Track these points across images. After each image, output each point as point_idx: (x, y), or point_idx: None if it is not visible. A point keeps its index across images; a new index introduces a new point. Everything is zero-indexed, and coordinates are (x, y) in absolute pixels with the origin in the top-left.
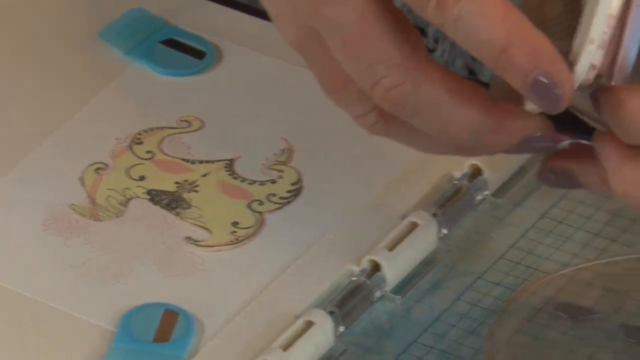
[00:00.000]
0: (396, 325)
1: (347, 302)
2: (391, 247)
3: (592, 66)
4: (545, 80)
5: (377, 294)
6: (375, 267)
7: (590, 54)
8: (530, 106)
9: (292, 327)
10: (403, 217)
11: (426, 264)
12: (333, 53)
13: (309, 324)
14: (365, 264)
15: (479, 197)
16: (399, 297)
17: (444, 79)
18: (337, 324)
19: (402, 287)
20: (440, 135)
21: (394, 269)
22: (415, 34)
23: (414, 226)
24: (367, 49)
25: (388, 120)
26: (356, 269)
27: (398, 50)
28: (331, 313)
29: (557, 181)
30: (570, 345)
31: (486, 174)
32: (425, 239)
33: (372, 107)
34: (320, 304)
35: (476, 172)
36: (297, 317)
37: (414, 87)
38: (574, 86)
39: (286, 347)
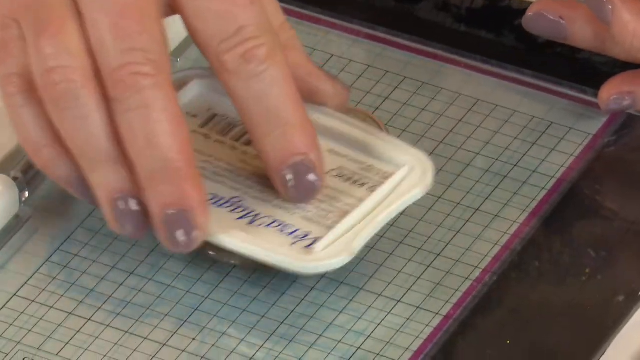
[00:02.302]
0: None
1: (31, 167)
2: None
3: None
4: (306, 165)
5: None
6: None
7: None
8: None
9: None
10: None
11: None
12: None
13: None
14: None
15: None
16: None
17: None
18: (21, 189)
19: None
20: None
21: None
22: None
23: None
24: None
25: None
26: None
27: None
28: (15, 179)
29: (543, 27)
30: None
31: None
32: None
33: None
34: (4, 170)
35: None
36: None
37: None
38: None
39: None
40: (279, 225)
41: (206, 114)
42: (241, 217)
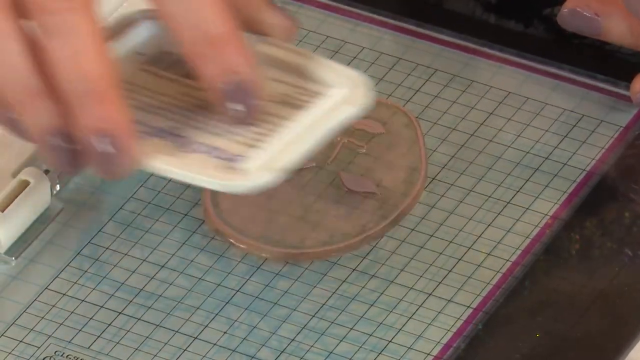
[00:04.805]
0: (112, 182)
1: None
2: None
3: None
4: (245, 89)
5: None
6: None
7: None
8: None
9: (8, 187)
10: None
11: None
12: None
13: (25, 184)
14: None
15: None
16: None
17: None
18: (53, 182)
19: None
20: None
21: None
22: None
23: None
24: None
25: None
26: None
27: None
28: (47, 172)
29: (579, 24)
30: (288, 195)
31: None
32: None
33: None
34: (36, 163)
35: None
36: (13, 176)
37: None
38: None
39: (3, 207)
40: (208, 149)
41: (155, 52)
42: (175, 145)
